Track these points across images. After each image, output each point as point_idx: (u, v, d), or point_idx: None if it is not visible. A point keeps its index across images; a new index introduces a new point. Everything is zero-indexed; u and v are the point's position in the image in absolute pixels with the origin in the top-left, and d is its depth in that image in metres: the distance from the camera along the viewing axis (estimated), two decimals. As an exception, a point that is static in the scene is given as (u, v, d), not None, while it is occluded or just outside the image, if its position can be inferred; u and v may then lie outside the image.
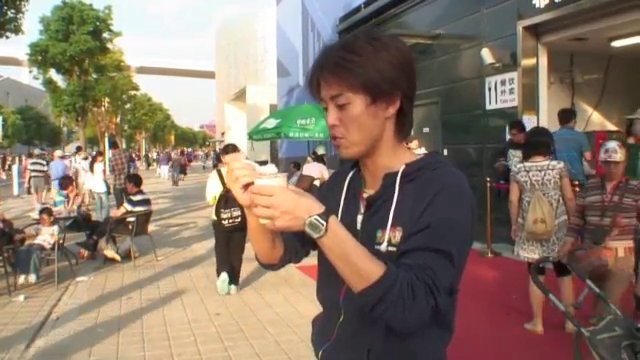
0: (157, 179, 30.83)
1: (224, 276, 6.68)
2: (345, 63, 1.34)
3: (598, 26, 7.66)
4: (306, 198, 1.23)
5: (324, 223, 1.20)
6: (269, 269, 1.63)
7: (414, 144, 9.05)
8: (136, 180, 9.38)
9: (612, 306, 2.42)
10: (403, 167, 1.40)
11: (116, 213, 9.13)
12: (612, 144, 4.30)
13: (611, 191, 4.25)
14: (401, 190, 1.37)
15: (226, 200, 6.50)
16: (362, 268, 1.21)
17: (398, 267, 1.23)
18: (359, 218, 1.45)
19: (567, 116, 7.66)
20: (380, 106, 1.36)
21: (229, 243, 6.77)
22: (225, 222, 6.55)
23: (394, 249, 1.33)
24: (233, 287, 6.76)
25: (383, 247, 1.34)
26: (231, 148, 6.98)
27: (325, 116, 1.41)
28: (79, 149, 15.74)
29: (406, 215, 1.33)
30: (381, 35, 1.40)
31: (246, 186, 1.28)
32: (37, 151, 19.80)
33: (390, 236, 1.34)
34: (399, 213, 1.35)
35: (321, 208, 1.22)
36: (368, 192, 1.48)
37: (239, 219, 6.47)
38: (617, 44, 8.60)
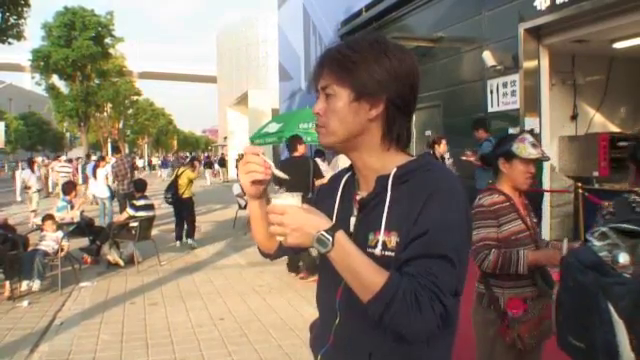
0: (160, 180, 30.85)
1: (179, 243, 10.34)
2: (340, 57, 1.40)
3: (600, 28, 7.65)
4: (315, 215, 1.30)
5: (330, 238, 1.25)
6: (266, 257, 1.73)
7: (442, 144, 8.99)
8: (140, 185, 9.40)
9: (612, 309, 2.36)
10: (395, 170, 1.41)
11: (119, 218, 9.15)
12: (529, 135, 2.95)
13: (525, 212, 2.91)
14: (394, 192, 1.39)
15: (169, 186, 10.59)
16: (367, 280, 1.25)
17: (402, 276, 1.25)
18: (352, 220, 1.47)
19: (485, 126, 8.21)
20: (363, 105, 1.39)
21: (182, 213, 10.50)
22: (169, 199, 10.53)
23: (391, 254, 1.34)
24: (191, 240, 10.31)
25: (377, 251, 1.36)
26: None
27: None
28: (117, 150, 15.66)
29: (401, 218, 1.34)
30: (389, 43, 1.42)
31: (254, 181, 1.43)
32: (64, 157, 21.54)
33: (385, 240, 1.36)
34: (392, 216, 1.36)
35: (328, 224, 1.28)
36: (361, 194, 1.50)
37: (169, 199, 10.48)
38: (619, 45, 8.59)
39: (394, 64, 1.38)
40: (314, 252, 5.30)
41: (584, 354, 2.14)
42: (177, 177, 10.60)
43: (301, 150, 7.79)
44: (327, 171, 8.06)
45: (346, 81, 1.38)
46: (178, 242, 10.41)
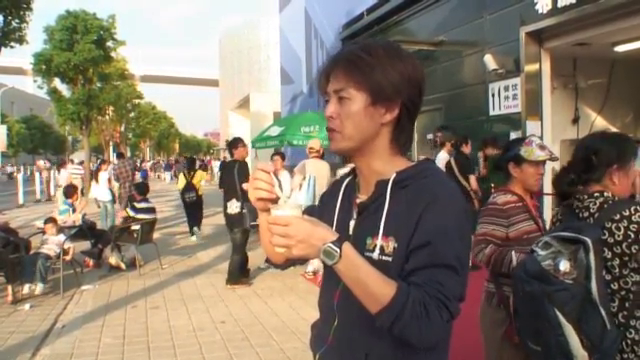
0: (162, 183, 30.97)
1: (193, 231, 11.71)
2: (357, 60, 1.38)
3: (601, 31, 7.64)
4: (320, 227, 1.28)
5: (338, 250, 1.24)
6: (276, 268, 1.73)
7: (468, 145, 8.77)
8: (141, 188, 9.39)
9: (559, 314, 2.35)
10: (394, 175, 1.41)
11: (120, 214, 9.14)
12: (535, 138, 3.03)
13: (537, 213, 2.95)
14: (393, 197, 1.39)
15: (187, 188, 11.83)
16: (375, 291, 1.25)
17: (408, 285, 1.26)
18: (351, 223, 1.48)
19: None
20: (378, 110, 1.39)
21: (191, 211, 11.99)
22: (187, 199, 11.83)
23: (388, 259, 1.35)
24: (194, 237, 11.58)
25: (375, 255, 1.36)
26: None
27: (324, 109, 1.45)
28: (120, 155, 15.50)
29: (399, 224, 1.35)
30: (401, 49, 1.44)
31: (260, 198, 1.39)
32: (76, 160, 22.13)
33: (383, 245, 1.37)
34: (391, 221, 1.37)
35: (335, 235, 1.27)
36: (361, 198, 1.50)
37: (194, 198, 11.84)
38: (620, 49, 8.59)
39: (408, 69, 1.39)
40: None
41: (542, 356, 2.25)
42: (191, 179, 11.98)
43: (237, 154, 7.66)
44: (295, 175, 7.83)
45: (363, 84, 1.37)
46: (192, 231, 11.87)
